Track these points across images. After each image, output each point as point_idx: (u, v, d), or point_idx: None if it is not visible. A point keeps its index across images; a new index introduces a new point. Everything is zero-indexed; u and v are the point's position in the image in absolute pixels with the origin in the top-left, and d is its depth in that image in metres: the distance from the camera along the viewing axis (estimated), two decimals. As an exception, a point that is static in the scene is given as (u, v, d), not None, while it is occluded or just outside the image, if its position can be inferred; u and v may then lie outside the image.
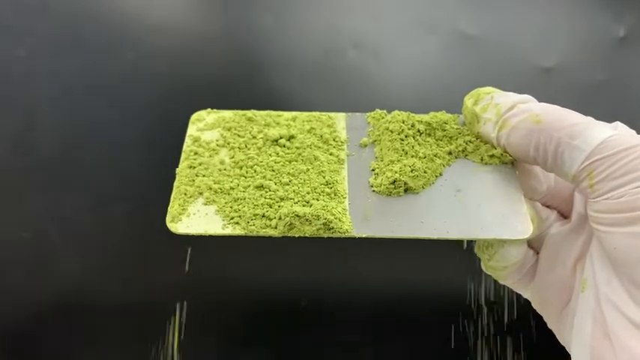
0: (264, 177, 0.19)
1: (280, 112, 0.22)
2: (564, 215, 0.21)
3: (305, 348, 0.35)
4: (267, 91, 0.35)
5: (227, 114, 0.22)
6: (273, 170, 0.20)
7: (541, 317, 0.21)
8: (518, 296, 0.34)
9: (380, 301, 0.35)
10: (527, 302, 0.21)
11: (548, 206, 0.21)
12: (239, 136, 0.21)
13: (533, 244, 0.21)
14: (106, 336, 0.35)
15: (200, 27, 0.36)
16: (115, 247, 0.35)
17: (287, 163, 0.20)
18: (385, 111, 0.21)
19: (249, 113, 0.21)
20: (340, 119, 0.21)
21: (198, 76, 0.36)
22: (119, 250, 0.35)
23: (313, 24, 0.36)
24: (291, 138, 0.21)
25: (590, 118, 0.17)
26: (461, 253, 0.31)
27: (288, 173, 0.19)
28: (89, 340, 0.35)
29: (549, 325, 0.20)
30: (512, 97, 0.18)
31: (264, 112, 0.22)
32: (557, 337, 0.20)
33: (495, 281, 0.33)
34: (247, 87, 0.36)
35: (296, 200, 0.19)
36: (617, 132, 0.16)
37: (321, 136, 0.21)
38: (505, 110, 0.18)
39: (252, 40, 0.36)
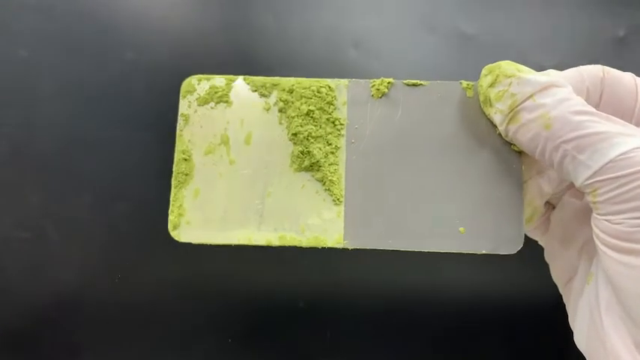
0: (262, 182, 0.19)
1: (277, 80, 0.20)
2: None
3: (303, 349, 0.35)
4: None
5: (219, 82, 0.20)
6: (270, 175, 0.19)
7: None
8: (520, 296, 0.34)
9: (380, 302, 0.35)
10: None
11: None
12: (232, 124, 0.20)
13: (551, 200, 0.20)
14: (106, 336, 0.35)
15: (200, 27, 0.36)
16: (115, 247, 0.35)
17: (286, 168, 0.19)
18: (391, 79, 0.20)
19: (243, 83, 0.20)
20: (342, 90, 0.20)
21: (198, 76, 0.36)
22: (119, 250, 0.35)
23: (313, 24, 0.36)
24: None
25: (611, 128, 0.15)
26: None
27: (285, 187, 0.19)
28: (89, 340, 0.35)
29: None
30: (530, 86, 0.16)
31: (259, 79, 0.20)
32: (564, 299, 0.20)
33: (497, 281, 0.33)
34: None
35: (290, 224, 0.18)
36: (634, 146, 0.14)
37: (319, 119, 0.19)
38: (519, 103, 0.16)
39: (252, 40, 0.36)
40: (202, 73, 0.21)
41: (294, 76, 0.20)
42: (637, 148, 0.14)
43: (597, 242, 0.16)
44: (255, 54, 0.36)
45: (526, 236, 0.18)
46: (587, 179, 0.15)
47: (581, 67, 0.17)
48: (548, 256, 0.21)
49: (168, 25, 0.36)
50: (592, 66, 0.17)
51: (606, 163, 0.15)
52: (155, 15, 0.36)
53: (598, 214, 0.15)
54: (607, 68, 0.17)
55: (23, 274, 0.35)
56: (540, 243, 0.21)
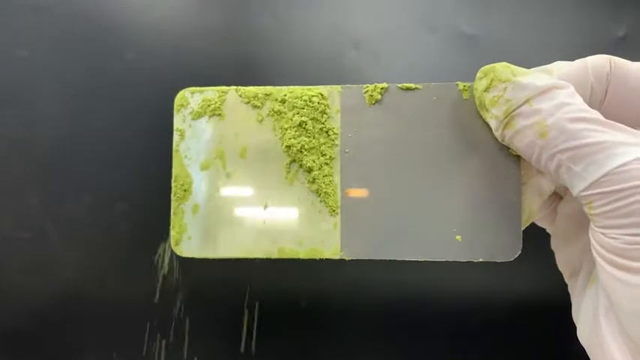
0: (258, 195, 0.19)
1: (269, 90, 0.20)
2: None
3: (305, 350, 0.35)
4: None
5: (211, 95, 0.20)
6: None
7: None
8: (520, 296, 0.34)
9: (380, 302, 0.35)
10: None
11: None
12: (226, 139, 0.20)
13: (558, 190, 0.20)
14: (105, 336, 0.35)
15: (200, 27, 0.36)
16: (115, 247, 0.35)
17: (282, 180, 0.19)
18: (385, 85, 0.19)
19: (236, 95, 0.20)
20: (335, 97, 0.19)
21: (197, 76, 0.36)
22: (119, 250, 0.35)
23: (313, 24, 0.36)
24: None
25: (611, 137, 0.14)
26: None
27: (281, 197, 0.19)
28: (89, 340, 0.35)
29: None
30: (526, 91, 0.15)
31: (250, 90, 0.20)
32: (569, 289, 0.20)
33: (497, 281, 0.33)
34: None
35: (288, 236, 0.19)
36: (634, 157, 0.13)
37: (313, 130, 0.19)
38: (514, 109, 0.16)
39: (252, 40, 0.36)
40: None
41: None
42: (637, 159, 0.14)
43: (594, 253, 0.15)
44: (255, 54, 0.36)
45: (525, 238, 0.18)
46: (582, 191, 0.14)
47: (588, 59, 0.16)
48: (554, 247, 0.20)
49: (169, 26, 0.36)
50: (599, 57, 0.16)
51: (602, 176, 0.14)
52: (155, 15, 0.36)
53: (595, 225, 0.15)
54: (615, 59, 0.16)
55: (23, 274, 0.35)
56: (548, 231, 0.21)
